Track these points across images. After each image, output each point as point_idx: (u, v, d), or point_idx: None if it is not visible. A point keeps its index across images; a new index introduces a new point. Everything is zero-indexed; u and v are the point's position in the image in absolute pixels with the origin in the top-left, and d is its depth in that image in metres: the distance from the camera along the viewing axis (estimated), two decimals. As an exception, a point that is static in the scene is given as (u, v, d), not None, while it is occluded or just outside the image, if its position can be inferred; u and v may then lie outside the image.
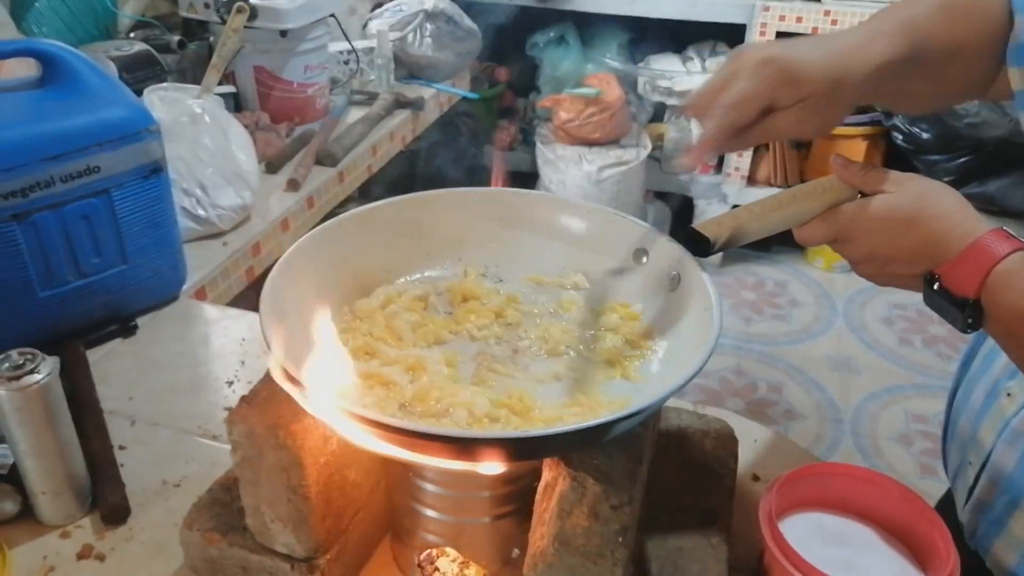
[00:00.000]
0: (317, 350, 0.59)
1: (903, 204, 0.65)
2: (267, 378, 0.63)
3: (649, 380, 0.63)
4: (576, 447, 0.54)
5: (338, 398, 0.51)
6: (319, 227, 0.70)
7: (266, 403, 0.60)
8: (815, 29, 2.52)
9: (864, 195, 0.68)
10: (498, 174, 0.83)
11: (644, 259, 0.72)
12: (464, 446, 0.49)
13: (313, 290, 0.66)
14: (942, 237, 0.63)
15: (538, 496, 0.59)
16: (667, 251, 0.70)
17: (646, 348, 0.67)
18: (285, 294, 0.61)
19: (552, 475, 0.56)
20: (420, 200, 0.75)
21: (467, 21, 1.99)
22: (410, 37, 1.88)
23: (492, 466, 0.52)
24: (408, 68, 1.93)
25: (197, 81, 1.51)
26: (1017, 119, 0.71)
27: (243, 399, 0.61)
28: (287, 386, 0.53)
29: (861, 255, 0.68)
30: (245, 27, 1.40)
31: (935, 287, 0.64)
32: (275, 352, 0.54)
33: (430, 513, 0.66)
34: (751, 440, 0.87)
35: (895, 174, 0.67)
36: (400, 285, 0.73)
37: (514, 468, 0.59)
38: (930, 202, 0.64)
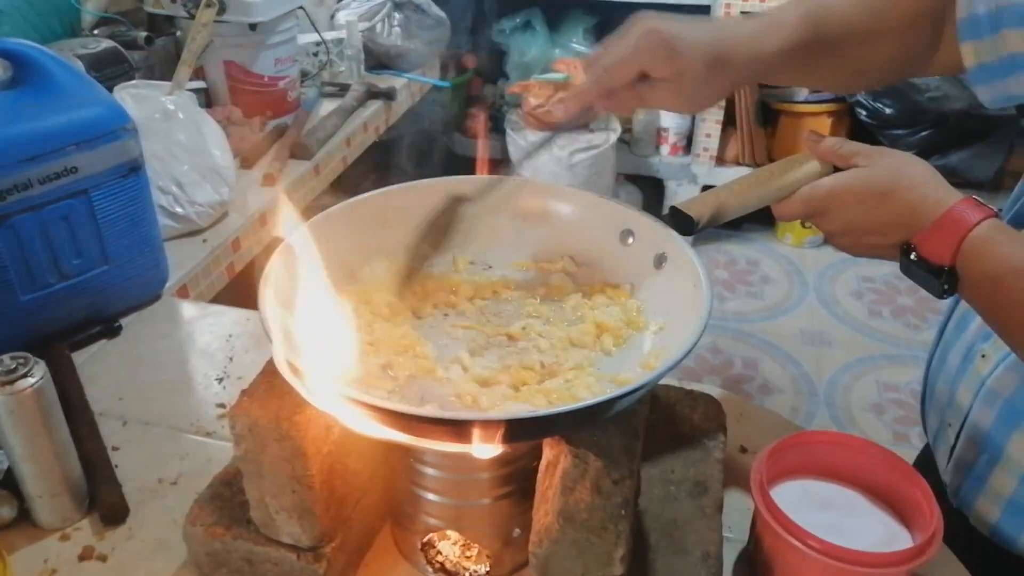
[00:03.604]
0: (317, 341, 0.59)
1: (877, 177, 0.67)
2: (266, 371, 0.64)
3: (644, 357, 0.65)
4: (580, 425, 0.56)
5: (342, 386, 0.52)
6: (308, 222, 0.70)
7: (267, 396, 0.61)
8: (778, 8, 2.54)
9: (838, 169, 0.71)
10: (482, 161, 0.84)
11: (630, 240, 0.74)
12: (469, 428, 0.50)
13: (307, 284, 0.66)
14: (916, 207, 0.65)
15: (540, 475, 0.60)
16: (652, 231, 0.72)
17: (638, 326, 0.69)
18: (281, 289, 0.62)
19: (554, 453, 0.58)
20: (406, 190, 0.76)
21: (435, 9, 1.99)
22: (379, 27, 1.88)
23: (496, 447, 0.53)
24: (378, 58, 1.92)
25: (165, 77, 1.50)
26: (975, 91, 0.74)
27: (243, 393, 0.61)
28: (292, 379, 0.54)
29: (838, 228, 0.70)
30: (214, 21, 1.39)
31: (912, 256, 0.66)
32: (278, 345, 0.54)
33: (431, 497, 0.67)
34: (736, 413, 0.89)
35: (867, 148, 0.70)
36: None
37: (516, 449, 0.61)
38: (903, 174, 0.67)
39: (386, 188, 0.75)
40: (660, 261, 0.71)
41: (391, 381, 0.62)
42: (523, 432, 0.53)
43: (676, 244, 0.69)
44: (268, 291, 0.59)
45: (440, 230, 0.72)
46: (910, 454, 1.01)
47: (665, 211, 0.70)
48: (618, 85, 0.70)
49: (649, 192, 3.06)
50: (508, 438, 0.51)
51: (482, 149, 0.84)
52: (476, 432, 0.49)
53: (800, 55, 0.72)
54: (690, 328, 0.59)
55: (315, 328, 0.59)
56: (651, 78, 0.69)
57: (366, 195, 0.75)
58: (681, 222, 0.70)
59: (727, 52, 0.69)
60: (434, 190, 0.77)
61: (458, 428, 0.50)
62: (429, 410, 0.55)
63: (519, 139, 2.73)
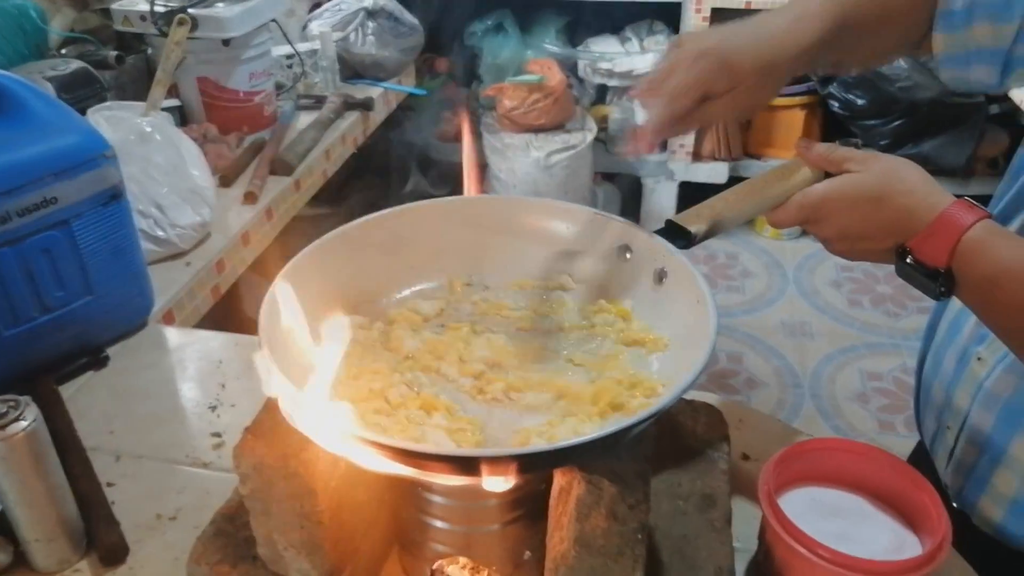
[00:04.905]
0: (319, 380, 0.58)
1: (870, 182, 0.67)
2: (268, 407, 0.62)
3: (652, 376, 0.65)
4: (600, 451, 0.55)
5: (354, 428, 0.51)
6: (301, 253, 0.69)
7: (272, 433, 0.59)
8: (748, 3, 2.56)
9: (830, 175, 0.71)
10: (470, 171, 0.82)
11: (628, 255, 0.74)
12: (483, 465, 0.49)
13: (305, 316, 0.65)
14: (910, 211, 0.66)
15: (552, 501, 0.59)
16: (649, 246, 0.72)
17: (644, 344, 0.68)
18: (279, 325, 0.61)
19: (566, 479, 0.57)
20: (398, 214, 0.75)
21: (408, 16, 1.97)
22: (352, 36, 1.86)
23: (510, 480, 0.52)
24: (353, 68, 1.90)
25: (137, 96, 1.47)
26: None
27: (247, 430, 0.60)
28: (299, 424, 0.53)
29: (833, 234, 0.70)
30: (186, 38, 1.36)
31: (907, 260, 0.66)
32: (283, 390, 0.53)
33: (439, 524, 0.67)
34: (736, 420, 0.89)
35: (858, 153, 0.70)
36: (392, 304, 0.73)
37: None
38: (896, 178, 0.67)
39: (379, 213, 0.74)
40: (660, 276, 0.70)
41: (395, 414, 0.61)
42: (537, 465, 0.52)
43: (675, 258, 0.69)
44: (267, 336, 0.58)
45: None
46: (897, 442, 1.02)
47: (641, 208, 0.71)
48: (685, 111, 0.72)
49: (627, 190, 3.06)
50: (522, 471, 0.50)
51: (468, 153, 0.82)
52: (490, 468, 0.49)
53: (831, 42, 0.74)
54: (698, 345, 0.59)
55: (318, 362, 0.58)
56: (710, 96, 0.72)
57: (359, 220, 0.74)
58: (678, 236, 0.70)
59: (774, 55, 0.72)
60: (426, 212, 0.76)
61: (473, 464, 0.50)
62: (443, 448, 0.54)
63: (496, 142, 2.72)
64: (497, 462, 0.48)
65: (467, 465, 0.49)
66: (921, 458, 0.90)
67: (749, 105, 0.76)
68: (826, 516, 0.71)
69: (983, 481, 0.78)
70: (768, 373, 2.43)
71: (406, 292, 0.74)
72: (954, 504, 0.83)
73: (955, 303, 0.83)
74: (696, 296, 0.64)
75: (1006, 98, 2.58)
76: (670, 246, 0.69)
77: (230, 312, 1.27)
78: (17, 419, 0.68)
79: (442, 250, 0.76)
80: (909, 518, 0.70)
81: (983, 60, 0.73)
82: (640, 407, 0.60)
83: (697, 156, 2.91)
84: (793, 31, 0.73)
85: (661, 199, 2.96)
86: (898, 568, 0.63)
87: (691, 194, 2.78)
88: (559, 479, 0.59)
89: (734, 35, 0.72)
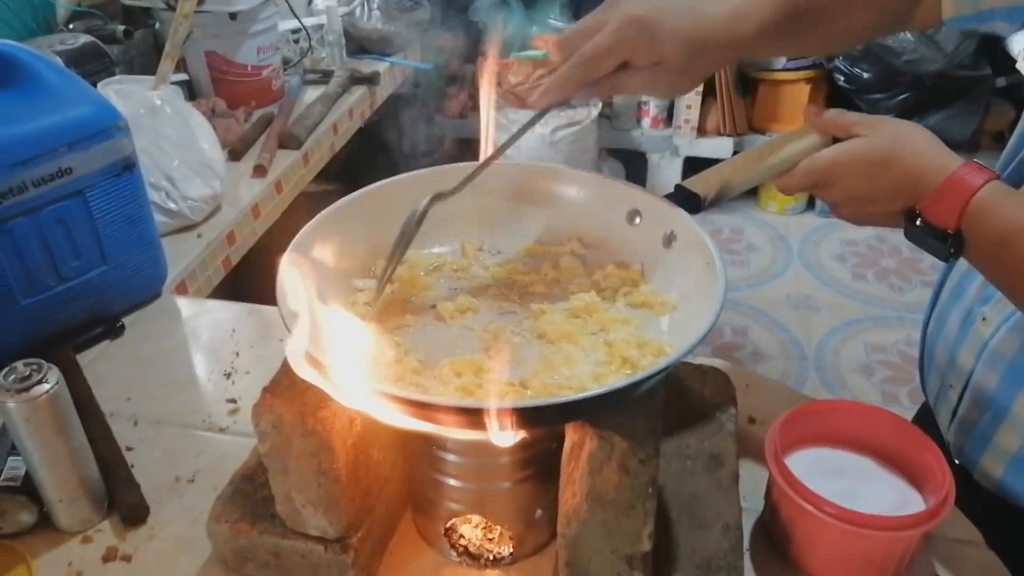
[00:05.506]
0: (337, 338, 0.60)
1: (878, 146, 0.68)
2: (286, 366, 0.64)
3: (661, 337, 0.66)
4: (609, 406, 0.56)
5: (373, 382, 0.53)
6: (316, 218, 0.70)
7: (289, 391, 0.61)
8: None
9: (838, 141, 0.71)
10: (489, 132, 0.81)
11: (637, 220, 0.75)
12: (504, 416, 0.51)
13: (319, 279, 0.66)
14: (919, 174, 0.66)
15: (564, 457, 0.61)
16: (659, 210, 0.72)
17: (652, 306, 0.69)
18: (296, 287, 0.62)
19: (578, 436, 0.59)
20: (413, 179, 0.76)
21: (414, -10, 1.97)
22: (358, 11, 1.86)
23: (524, 433, 0.54)
24: (359, 43, 1.90)
25: (145, 70, 1.48)
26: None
27: (266, 389, 0.62)
28: (320, 381, 0.54)
29: (842, 198, 0.71)
30: (195, 12, 1.36)
31: (917, 222, 0.67)
32: (303, 347, 0.54)
33: (452, 482, 0.68)
34: (743, 385, 0.90)
35: (866, 117, 0.71)
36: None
37: (538, 432, 0.62)
38: (903, 142, 0.68)
39: (393, 178, 0.75)
40: (669, 240, 0.71)
41: (414, 370, 0.62)
42: (548, 418, 0.54)
43: (684, 222, 0.70)
44: (285, 290, 0.59)
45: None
46: (901, 413, 1.03)
47: (646, 183, 0.71)
48: (599, 75, 0.68)
49: (632, 166, 3.06)
50: (537, 423, 0.52)
51: (486, 113, 0.80)
52: (509, 419, 0.50)
53: (779, 30, 0.71)
54: (707, 306, 0.60)
55: (333, 323, 0.60)
56: (630, 66, 0.68)
57: (372, 186, 0.75)
58: (687, 200, 0.70)
59: (706, 38, 0.68)
60: (439, 178, 0.77)
61: (484, 416, 0.51)
62: (462, 401, 0.56)
63: (501, 118, 2.71)
64: (505, 414, 0.49)
65: (477, 416, 0.50)
66: (925, 421, 0.92)
67: (670, 85, 0.70)
68: (831, 475, 0.72)
69: (985, 438, 0.80)
70: (773, 346, 2.45)
71: (419, 256, 0.76)
72: (956, 461, 0.84)
73: (960, 265, 0.84)
74: (705, 258, 0.65)
75: (1013, 71, 2.57)
76: (679, 210, 0.70)
77: (242, 284, 1.29)
78: (40, 381, 0.70)
79: (455, 215, 0.77)
80: (913, 477, 0.72)
81: (999, 17, 0.71)
82: (649, 365, 0.61)
83: (702, 131, 2.90)
84: (734, 19, 0.68)
85: (666, 174, 2.96)
86: (902, 523, 0.64)
87: (696, 169, 2.79)
88: (571, 435, 0.60)
89: (671, 12, 0.67)
